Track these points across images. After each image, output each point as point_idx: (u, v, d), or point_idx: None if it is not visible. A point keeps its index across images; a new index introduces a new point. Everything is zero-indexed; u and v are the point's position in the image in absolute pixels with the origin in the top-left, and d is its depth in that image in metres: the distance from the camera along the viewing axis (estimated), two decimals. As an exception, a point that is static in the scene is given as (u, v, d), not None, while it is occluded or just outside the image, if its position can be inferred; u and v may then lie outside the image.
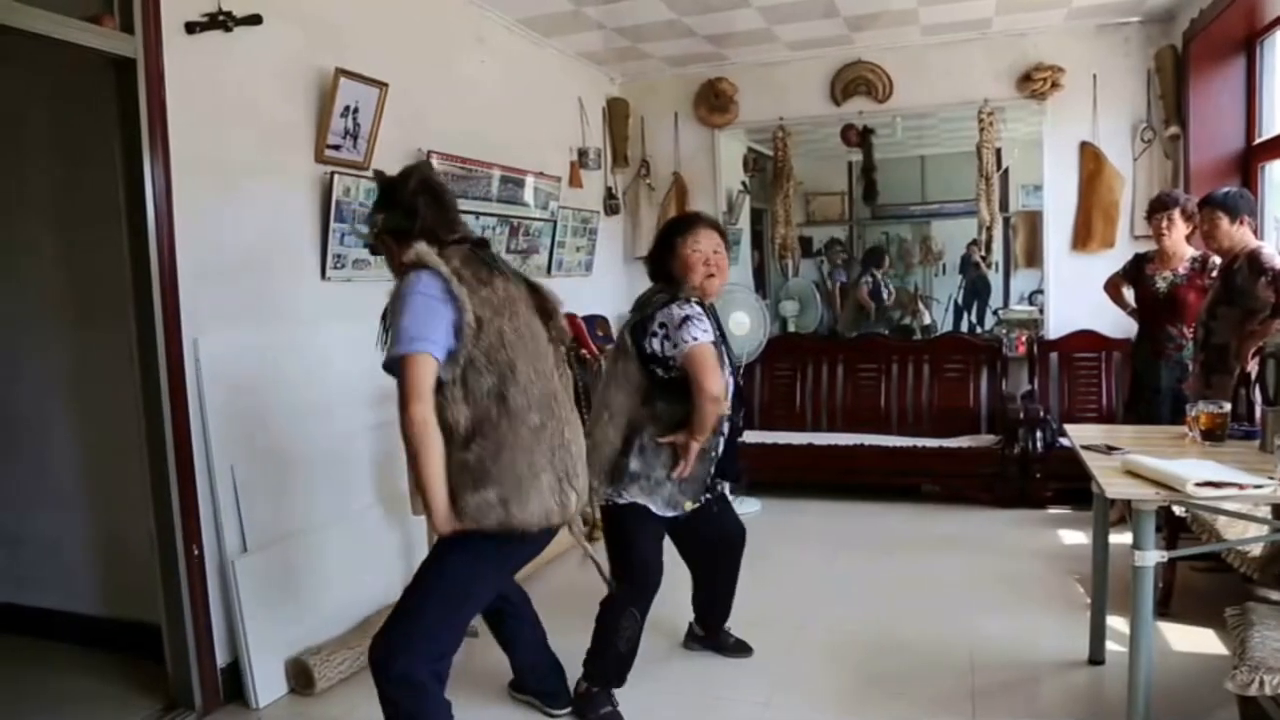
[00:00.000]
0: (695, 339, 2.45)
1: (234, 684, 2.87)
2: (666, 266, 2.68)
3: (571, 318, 4.72)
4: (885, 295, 7.03)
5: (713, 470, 2.71)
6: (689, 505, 2.66)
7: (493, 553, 2.08)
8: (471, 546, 2.03)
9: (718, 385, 2.44)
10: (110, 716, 2.82)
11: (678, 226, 2.73)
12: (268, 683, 2.88)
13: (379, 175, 2.26)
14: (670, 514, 2.63)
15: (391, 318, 1.97)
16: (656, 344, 2.51)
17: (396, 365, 1.92)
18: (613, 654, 2.64)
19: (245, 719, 2.81)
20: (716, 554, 2.98)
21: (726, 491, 2.97)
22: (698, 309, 2.55)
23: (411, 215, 2.08)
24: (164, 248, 2.65)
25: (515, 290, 2.12)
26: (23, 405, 3.38)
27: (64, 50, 2.43)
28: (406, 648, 2.05)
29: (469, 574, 2.10)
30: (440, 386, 1.94)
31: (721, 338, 2.68)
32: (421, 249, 1.99)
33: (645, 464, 2.56)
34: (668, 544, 2.74)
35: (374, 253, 2.29)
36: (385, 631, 2.09)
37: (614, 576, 2.63)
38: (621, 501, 2.59)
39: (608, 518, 2.65)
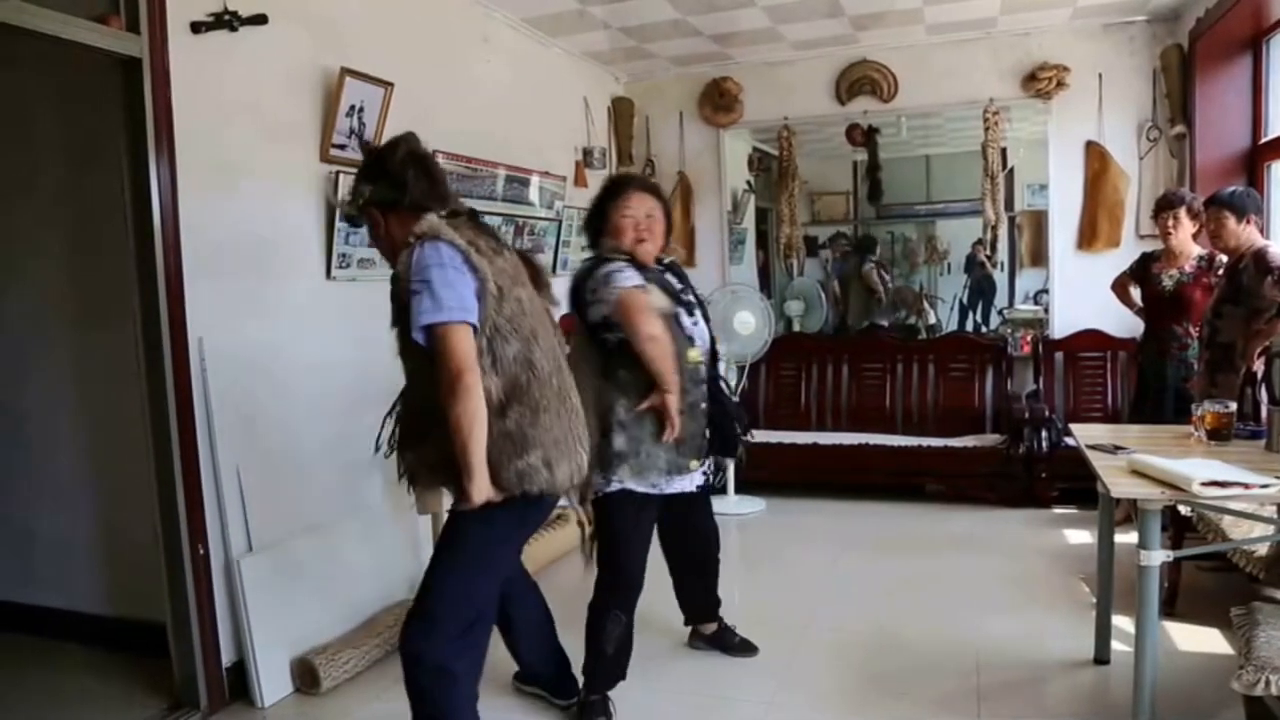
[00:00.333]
0: (621, 285, 2.42)
1: (239, 683, 2.87)
2: (600, 232, 2.65)
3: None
4: (887, 281, 7.04)
5: (707, 426, 2.65)
6: (694, 464, 2.60)
7: (513, 519, 2.08)
8: (489, 517, 1.99)
9: (647, 324, 2.39)
10: (116, 716, 2.82)
11: (610, 192, 2.67)
12: (273, 682, 2.88)
13: (364, 146, 2.27)
14: (675, 488, 2.59)
15: (417, 290, 1.89)
16: (594, 311, 2.49)
17: (435, 334, 1.87)
18: (602, 658, 2.61)
19: (250, 718, 2.82)
20: (703, 545, 3.01)
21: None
22: (620, 262, 2.50)
23: (400, 187, 2.03)
24: (169, 247, 2.66)
25: (514, 260, 2.15)
26: (29, 404, 3.39)
27: (70, 50, 2.44)
28: (433, 630, 2.04)
29: (488, 543, 2.08)
30: None
31: (691, 291, 2.72)
32: (435, 221, 1.95)
33: (630, 439, 2.50)
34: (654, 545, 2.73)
35: (353, 224, 2.28)
36: (411, 618, 2.09)
37: (598, 573, 2.62)
38: (610, 490, 2.52)
39: (597, 510, 2.58)
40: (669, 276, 2.69)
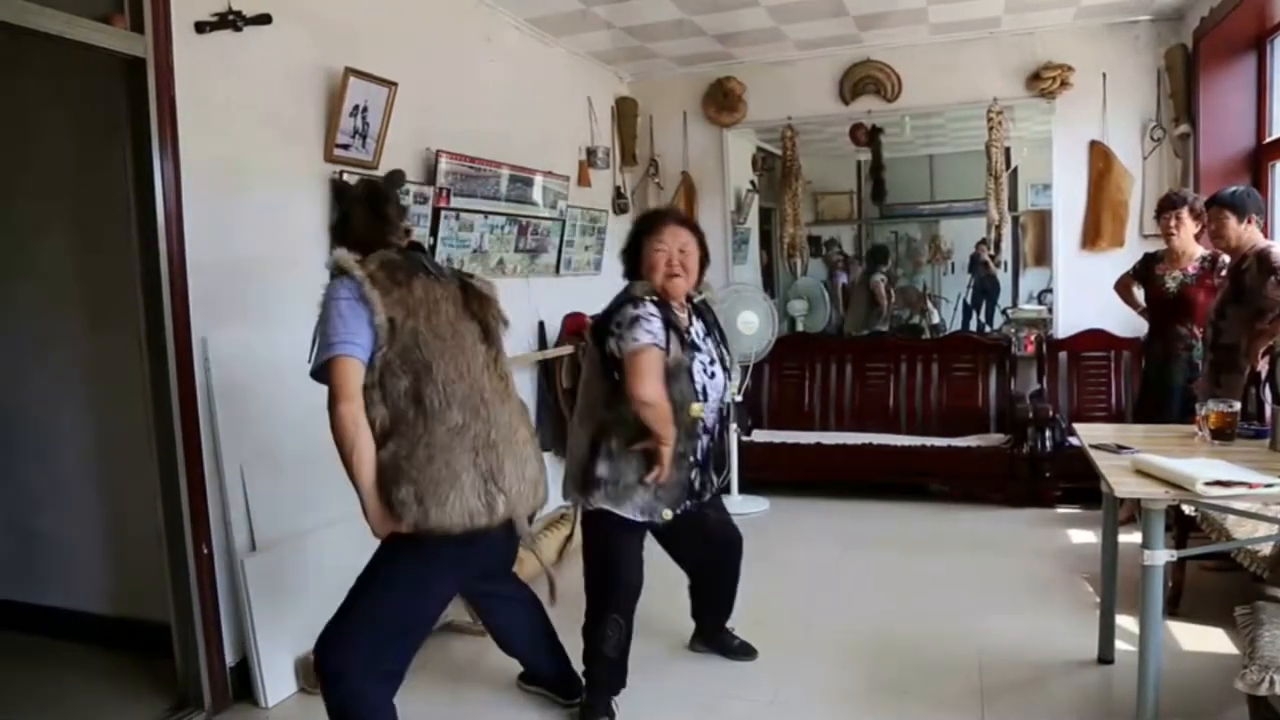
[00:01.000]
0: (637, 340, 2.39)
1: (243, 683, 2.88)
2: (636, 266, 2.64)
3: (579, 316, 4.72)
4: (891, 295, 7.02)
5: (696, 478, 2.61)
6: (667, 514, 2.56)
7: (417, 556, 2.07)
8: (408, 555, 2.07)
9: (645, 390, 2.36)
10: (119, 715, 2.83)
11: (645, 225, 2.66)
12: (277, 681, 2.89)
13: (333, 183, 2.33)
14: (644, 520, 2.56)
15: (318, 326, 2.02)
16: (612, 344, 2.46)
17: (323, 372, 1.98)
18: (602, 661, 2.61)
19: (254, 717, 2.82)
20: (714, 560, 2.95)
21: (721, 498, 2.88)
22: (651, 309, 2.47)
23: (344, 221, 2.20)
24: (173, 247, 2.67)
25: (442, 289, 2.13)
26: (33, 404, 3.40)
27: (75, 50, 2.45)
28: (341, 646, 2.09)
29: (394, 572, 2.11)
30: (363, 390, 1.99)
31: (715, 339, 2.68)
32: (339, 255, 2.05)
33: (613, 469, 2.49)
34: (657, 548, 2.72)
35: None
36: (327, 628, 2.13)
37: (586, 584, 2.62)
38: (590, 509, 2.54)
39: (585, 527, 2.61)
40: (695, 321, 2.66)
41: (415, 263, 2.13)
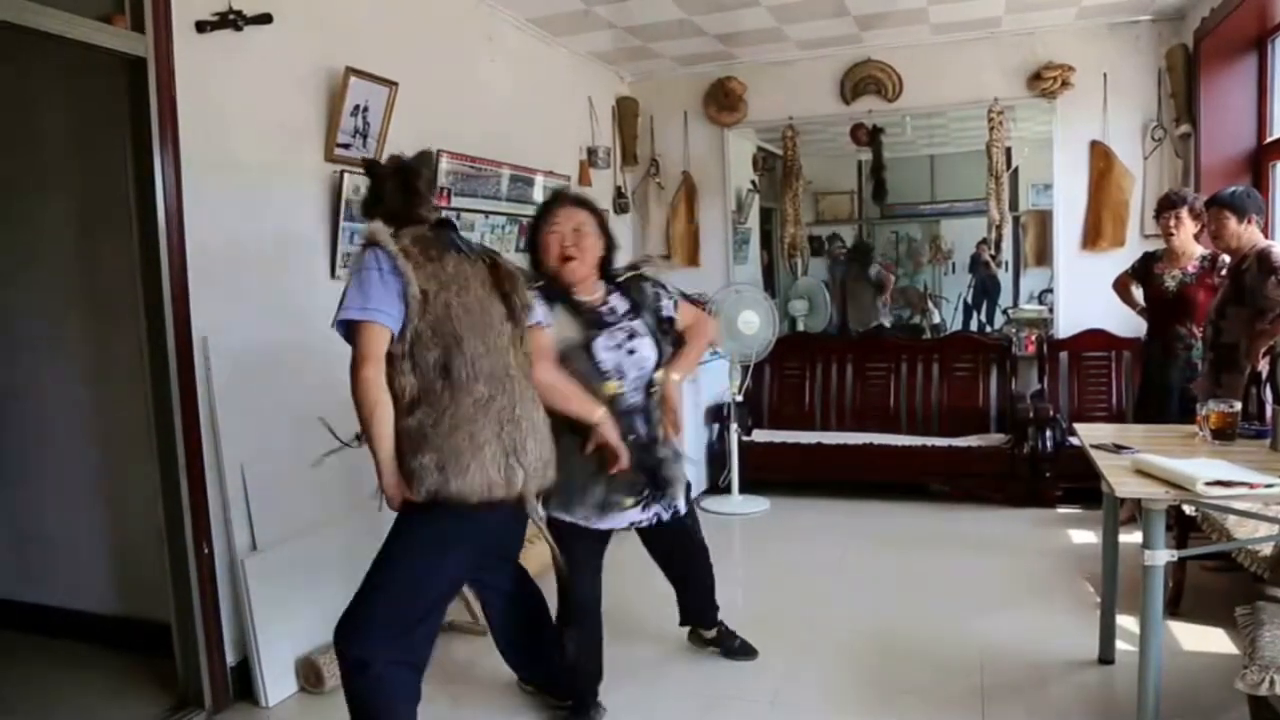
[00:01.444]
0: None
1: (244, 682, 2.88)
2: (536, 254, 2.57)
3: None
4: (895, 276, 7.04)
5: (648, 459, 2.54)
6: (629, 501, 2.52)
7: (443, 529, 2.10)
8: (422, 524, 2.09)
9: (548, 372, 2.35)
10: (120, 715, 2.83)
11: (541, 210, 2.61)
12: (277, 681, 2.89)
13: (365, 161, 2.39)
14: (605, 525, 2.52)
15: (347, 288, 2.05)
16: None
17: (347, 329, 2.02)
18: (569, 664, 2.56)
19: (255, 717, 2.82)
20: (678, 562, 2.93)
21: (682, 505, 2.71)
22: (537, 294, 2.41)
23: (378, 198, 2.23)
24: (174, 246, 2.67)
25: (471, 268, 2.15)
26: (33, 403, 3.40)
27: (76, 49, 2.45)
28: (358, 630, 2.10)
29: (419, 552, 2.12)
30: (391, 359, 2.02)
31: (644, 313, 2.58)
32: (375, 228, 2.08)
33: (564, 470, 2.38)
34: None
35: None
36: (344, 615, 2.13)
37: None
38: (550, 514, 2.49)
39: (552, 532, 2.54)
40: (614, 299, 2.59)
41: (446, 239, 2.16)
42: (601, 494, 2.50)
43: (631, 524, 2.60)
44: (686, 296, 2.66)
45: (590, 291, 2.56)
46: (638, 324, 2.56)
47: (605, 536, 2.60)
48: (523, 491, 2.12)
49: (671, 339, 2.66)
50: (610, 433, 2.42)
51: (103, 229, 3.07)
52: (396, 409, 2.03)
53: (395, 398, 2.03)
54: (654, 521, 2.63)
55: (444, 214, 2.28)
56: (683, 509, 2.71)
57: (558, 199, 2.61)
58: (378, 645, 2.08)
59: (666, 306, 2.67)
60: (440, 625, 2.29)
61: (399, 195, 2.19)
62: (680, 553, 2.90)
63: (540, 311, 2.39)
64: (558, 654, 2.51)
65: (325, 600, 3.04)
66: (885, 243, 7.42)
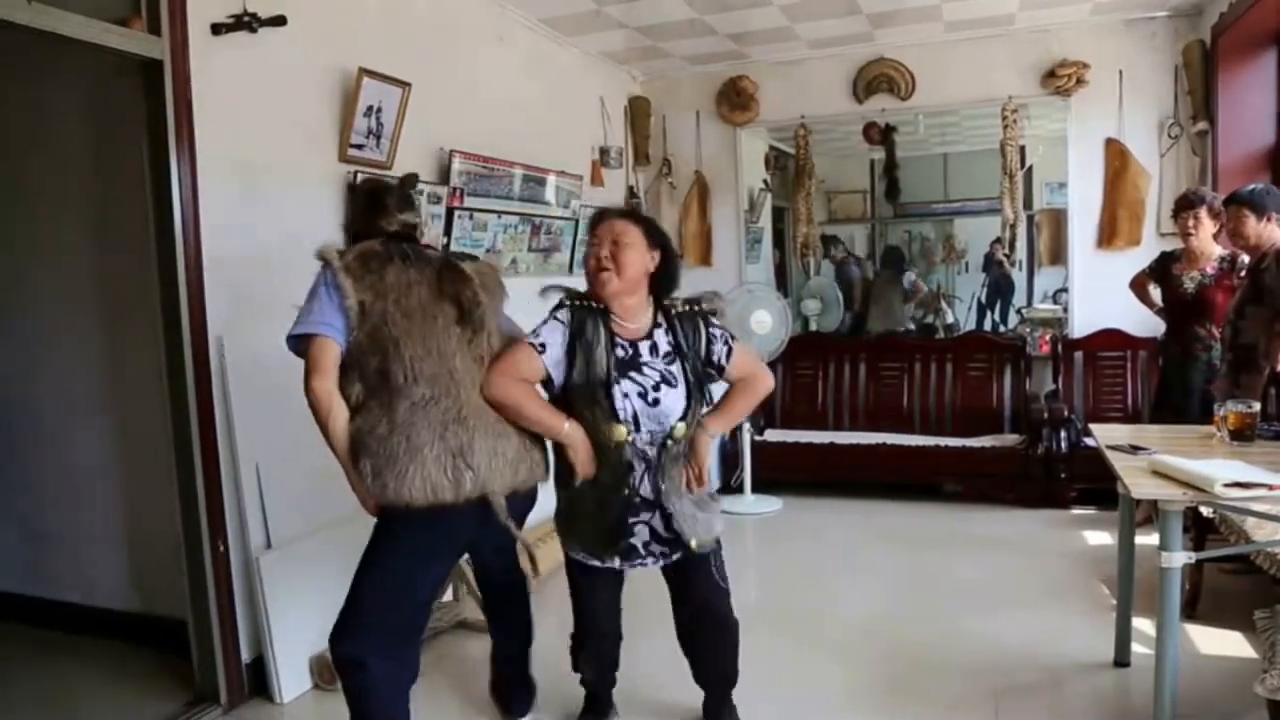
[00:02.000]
0: (528, 333, 2.26)
1: (258, 679, 2.90)
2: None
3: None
4: (923, 287, 7.06)
5: (634, 523, 2.25)
6: (609, 558, 2.29)
7: (412, 533, 2.14)
8: (392, 526, 2.15)
9: (493, 388, 2.17)
10: (136, 711, 2.85)
11: (588, 228, 2.38)
12: (292, 678, 2.91)
13: (348, 185, 2.58)
14: (596, 563, 2.32)
15: (301, 307, 2.16)
16: None
17: (296, 343, 2.13)
18: (585, 684, 2.58)
19: (269, 714, 2.84)
20: (689, 622, 2.50)
21: (700, 550, 2.32)
22: (564, 314, 2.24)
23: (350, 217, 2.41)
24: (190, 247, 2.69)
25: (416, 274, 2.19)
26: (51, 402, 3.43)
27: (92, 53, 2.47)
28: (345, 627, 2.16)
29: (391, 553, 2.18)
30: (342, 370, 2.13)
31: (686, 356, 2.26)
32: (324, 246, 2.19)
33: (562, 497, 2.31)
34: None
35: None
36: (338, 616, 2.20)
37: None
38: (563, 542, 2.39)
39: None
40: (659, 333, 2.28)
41: (393, 251, 2.21)
42: (584, 539, 2.31)
43: (625, 565, 2.33)
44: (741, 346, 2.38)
45: (634, 318, 2.27)
46: (674, 369, 2.25)
47: (615, 574, 2.38)
48: (482, 491, 2.11)
49: (707, 392, 2.33)
50: (578, 449, 2.21)
51: (119, 230, 3.09)
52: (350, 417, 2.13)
53: (348, 406, 2.13)
54: (656, 562, 2.33)
55: (412, 223, 2.33)
56: (698, 548, 2.31)
57: (601, 214, 2.34)
58: (367, 644, 2.13)
59: (719, 352, 2.33)
60: (424, 616, 2.33)
61: (362, 214, 2.32)
62: (688, 600, 2.46)
63: (546, 330, 2.23)
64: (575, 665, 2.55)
65: (339, 598, 3.04)
66: (898, 241, 7.42)
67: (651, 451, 2.22)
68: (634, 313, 2.28)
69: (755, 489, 5.10)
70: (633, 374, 2.22)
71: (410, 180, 2.45)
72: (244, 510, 2.87)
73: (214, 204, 2.75)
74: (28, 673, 3.15)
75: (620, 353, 2.23)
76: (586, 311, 2.24)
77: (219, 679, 2.82)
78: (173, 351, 2.73)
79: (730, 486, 5.26)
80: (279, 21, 2.84)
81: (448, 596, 3.49)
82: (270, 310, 2.95)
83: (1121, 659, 2.89)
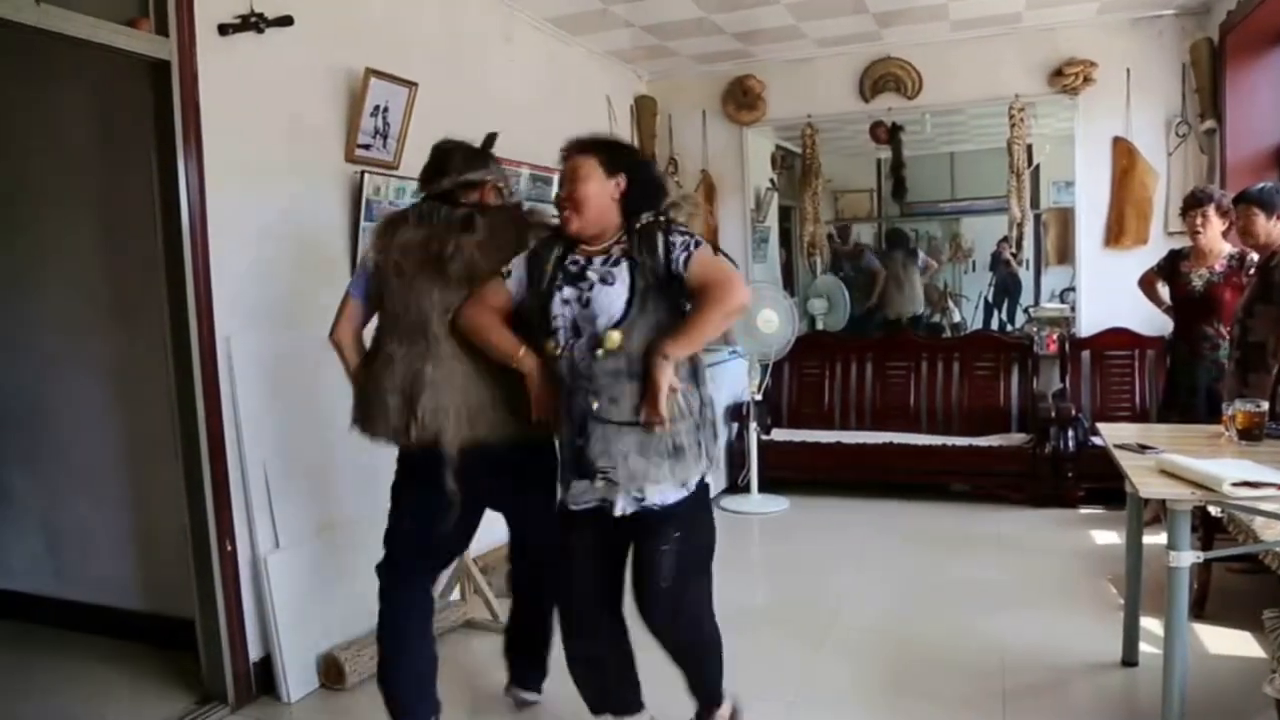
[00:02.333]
0: None
1: (266, 678, 2.91)
2: None
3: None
4: (932, 265, 7.07)
5: (576, 437, 2.07)
6: (578, 485, 2.10)
7: (401, 469, 2.46)
8: (397, 466, 2.47)
9: (462, 317, 2.21)
10: (144, 709, 2.86)
11: None
12: (299, 677, 2.91)
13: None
14: (573, 505, 2.14)
15: None
16: None
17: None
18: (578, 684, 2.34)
19: (277, 713, 2.85)
20: (643, 608, 2.20)
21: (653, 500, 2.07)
22: (536, 245, 2.22)
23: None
24: (197, 247, 2.70)
25: (416, 233, 2.30)
26: (59, 401, 3.44)
27: (101, 54, 2.48)
28: (384, 562, 2.48)
29: (398, 489, 2.49)
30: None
31: (609, 260, 2.10)
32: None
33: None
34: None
35: None
36: None
37: None
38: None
39: None
40: (616, 248, 2.12)
41: (421, 210, 2.35)
42: (560, 468, 2.20)
43: (595, 504, 2.11)
44: (719, 250, 2.11)
45: (600, 241, 2.14)
46: (617, 270, 2.07)
47: (602, 521, 2.10)
48: (429, 440, 2.23)
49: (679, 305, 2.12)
50: (532, 379, 2.17)
51: (127, 231, 3.11)
52: None
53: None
54: (620, 512, 2.07)
55: (472, 180, 2.42)
56: (652, 504, 2.07)
57: (563, 150, 2.21)
58: (394, 572, 2.44)
59: (678, 259, 2.04)
60: (430, 543, 2.47)
61: (423, 173, 2.46)
62: (649, 600, 2.16)
63: (516, 260, 2.22)
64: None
65: (347, 598, 3.07)
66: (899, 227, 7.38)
67: (585, 363, 2.04)
68: (602, 241, 2.15)
69: (762, 488, 5.09)
70: (578, 283, 2.09)
71: (489, 139, 2.60)
72: (252, 510, 2.87)
73: (221, 204, 2.75)
74: (37, 671, 3.17)
75: (572, 267, 2.12)
76: (556, 240, 2.19)
77: (226, 678, 2.82)
78: (180, 352, 2.74)
79: (737, 486, 5.27)
80: (286, 22, 2.85)
81: (454, 596, 3.49)
82: (278, 310, 2.98)
83: (1129, 659, 2.88)
